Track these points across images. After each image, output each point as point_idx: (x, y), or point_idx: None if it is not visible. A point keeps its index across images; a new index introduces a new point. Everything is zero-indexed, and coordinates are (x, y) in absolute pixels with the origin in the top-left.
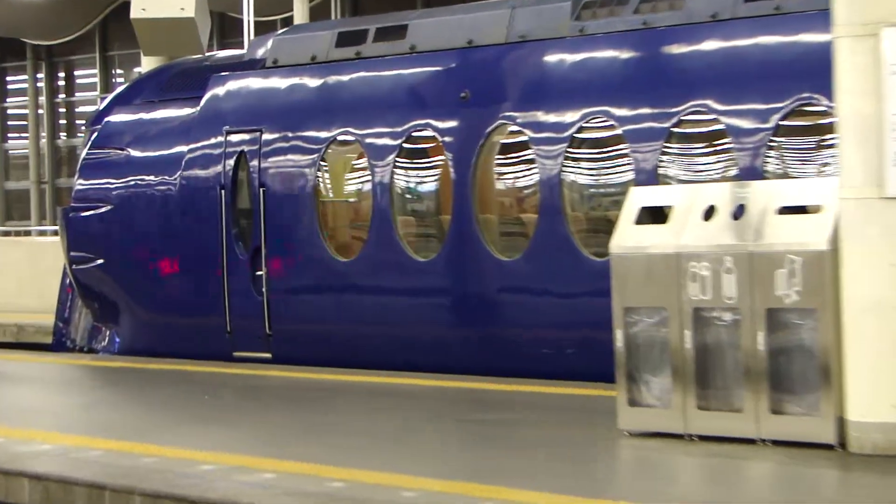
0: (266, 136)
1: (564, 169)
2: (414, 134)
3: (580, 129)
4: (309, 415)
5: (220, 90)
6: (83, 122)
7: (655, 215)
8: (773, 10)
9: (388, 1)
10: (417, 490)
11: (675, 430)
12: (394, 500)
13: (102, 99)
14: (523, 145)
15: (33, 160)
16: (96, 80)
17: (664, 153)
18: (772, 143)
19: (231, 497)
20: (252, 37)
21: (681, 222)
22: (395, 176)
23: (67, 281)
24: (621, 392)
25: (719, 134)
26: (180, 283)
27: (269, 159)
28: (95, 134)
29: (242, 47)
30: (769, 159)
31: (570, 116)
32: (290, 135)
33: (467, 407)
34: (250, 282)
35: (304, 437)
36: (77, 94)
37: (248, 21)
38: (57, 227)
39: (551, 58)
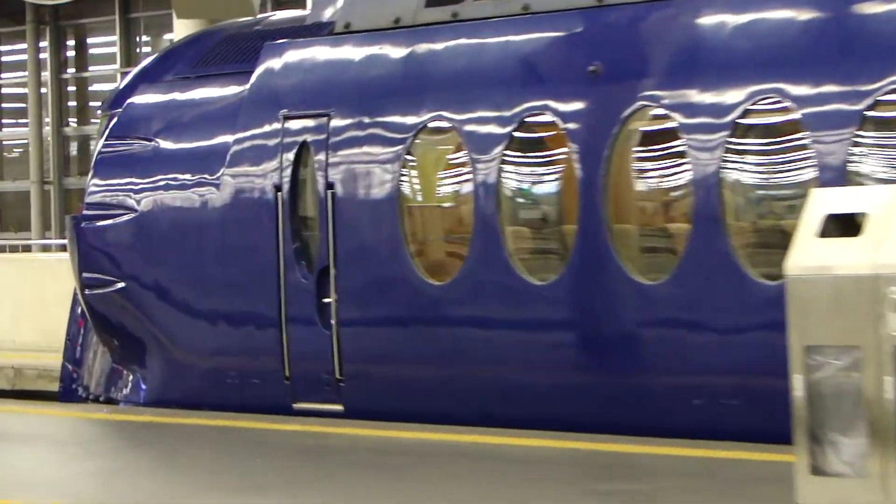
0: (335, 123)
1: (725, 165)
2: (528, 119)
3: (746, 113)
4: (391, 484)
5: (275, 63)
6: (99, 104)
7: (845, 226)
8: None
9: None
10: None
11: None
12: None
13: (124, 75)
14: (671, 134)
15: (34, 154)
16: (115, 49)
17: (856, 144)
18: None
19: None
20: None
21: (879, 235)
22: (504, 174)
23: (79, 310)
24: (801, 456)
25: None
26: (224, 313)
27: (340, 153)
28: (115, 120)
29: (304, 8)
30: None
31: (732, 96)
32: (366, 120)
33: (597, 474)
34: (315, 312)
35: None
36: (91, 67)
37: None
38: (65, 241)
39: (709, 19)
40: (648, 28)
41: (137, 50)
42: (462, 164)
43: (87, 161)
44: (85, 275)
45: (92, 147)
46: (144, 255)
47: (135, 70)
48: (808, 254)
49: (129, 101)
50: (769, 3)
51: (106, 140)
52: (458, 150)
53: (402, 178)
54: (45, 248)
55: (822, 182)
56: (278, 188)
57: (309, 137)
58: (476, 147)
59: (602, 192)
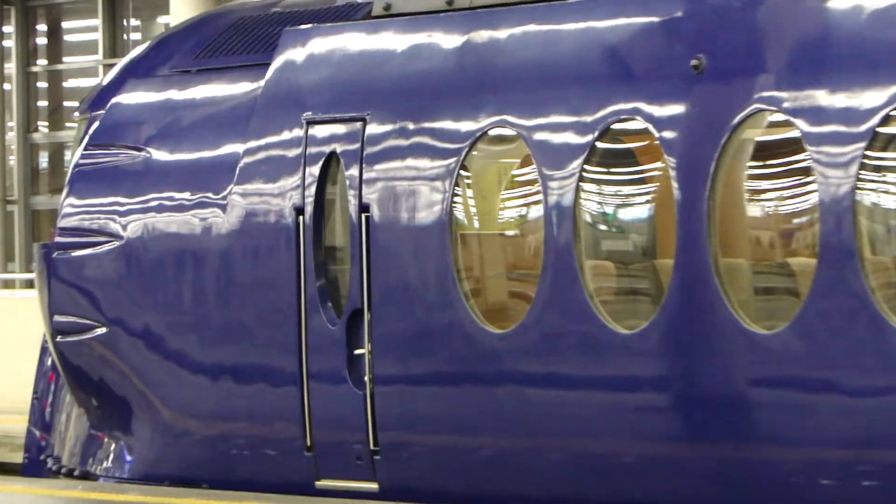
0: (372, 130)
1: (861, 185)
2: (614, 126)
3: (887, 120)
4: None
5: (297, 54)
6: (76, 104)
7: None
8: None
9: None
10: None
11: None
12: None
13: (107, 68)
14: (794, 145)
15: None
16: (97, 36)
17: None
18: None
19: None
20: None
21: None
22: (583, 195)
23: (49, 362)
24: None
25: None
26: (230, 366)
27: (377, 166)
28: (96, 124)
29: None
30: None
31: (871, 99)
32: (410, 127)
33: None
34: (345, 365)
35: None
36: (67, 58)
37: None
38: (32, 275)
39: (842, 3)
40: (766, 13)
41: (125, 37)
42: (530, 182)
43: (60, 175)
44: (57, 317)
45: (67, 158)
46: (131, 293)
47: (121, 62)
48: None
49: (113, 100)
50: None
51: (85, 149)
52: (525, 164)
53: (455, 199)
54: (7, 284)
55: None
56: (300, 210)
57: (339, 147)
58: (548, 160)
59: (706, 217)
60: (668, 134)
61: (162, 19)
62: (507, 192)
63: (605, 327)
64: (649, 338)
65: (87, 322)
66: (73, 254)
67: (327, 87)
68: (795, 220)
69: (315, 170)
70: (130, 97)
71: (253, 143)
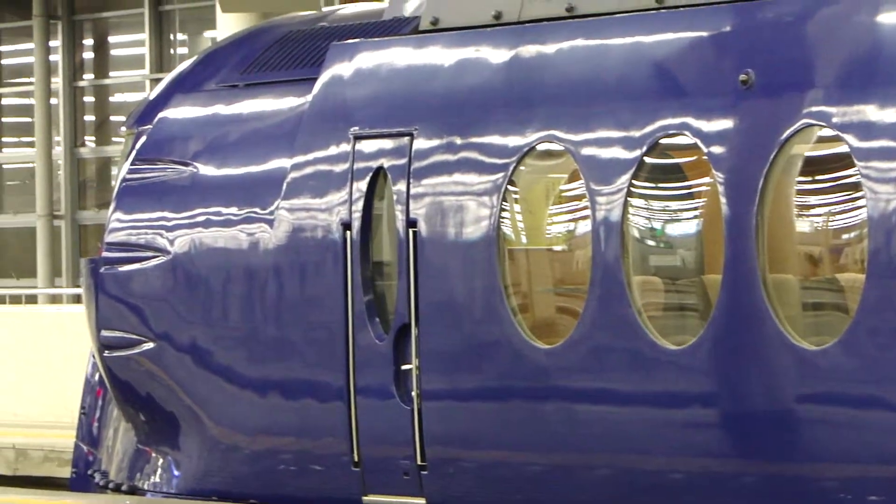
0: (419, 145)
1: None
2: (662, 141)
3: None
4: None
5: (344, 69)
6: (123, 119)
7: None
8: None
9: None
10: None
11: None
12: None
13: (154, 82)
14: (843, 160)
15: (42, 180)
16: (144, 51)
17: None
18: None
19: None
20: None
21: None
22: (631, 210)
23: (96, 377)
24: None
25: None
26: (277, 382)
27: (424, 182)
28: (143, 139)
29: (380, 0)
30: None
31: None
32: (458, 142)
33: None
34: (392, 381)
35: None
36: (113, 73)
37: None
38: (80, 290)
39: (889, 19)
40: (814, 28)
41: (171, 51)
42: (578, 198)
43: (107, 190)
44: (104, 333)
45: (114, 173)
46: (179, 308)
47: (168, 77)
48: None
49: (160, 115)
50: None
51: (132, 164)
52: (572, 179)
53: (503, 215)
54: (55, 299)
55: None
56: (347, 226)
57: (386, 162)
58: (596, 176)
59: (755, 233)
60: (717, 149)
61: (209, 34)
62: (554, 207)
63: (653, 343)
64: (697, 353)
65: (135, 337)
66: (121, 269)
67: (374, 101)
68: (844, 236)
69: (362, 185)
70: (177, 112)
71: (300, 158)
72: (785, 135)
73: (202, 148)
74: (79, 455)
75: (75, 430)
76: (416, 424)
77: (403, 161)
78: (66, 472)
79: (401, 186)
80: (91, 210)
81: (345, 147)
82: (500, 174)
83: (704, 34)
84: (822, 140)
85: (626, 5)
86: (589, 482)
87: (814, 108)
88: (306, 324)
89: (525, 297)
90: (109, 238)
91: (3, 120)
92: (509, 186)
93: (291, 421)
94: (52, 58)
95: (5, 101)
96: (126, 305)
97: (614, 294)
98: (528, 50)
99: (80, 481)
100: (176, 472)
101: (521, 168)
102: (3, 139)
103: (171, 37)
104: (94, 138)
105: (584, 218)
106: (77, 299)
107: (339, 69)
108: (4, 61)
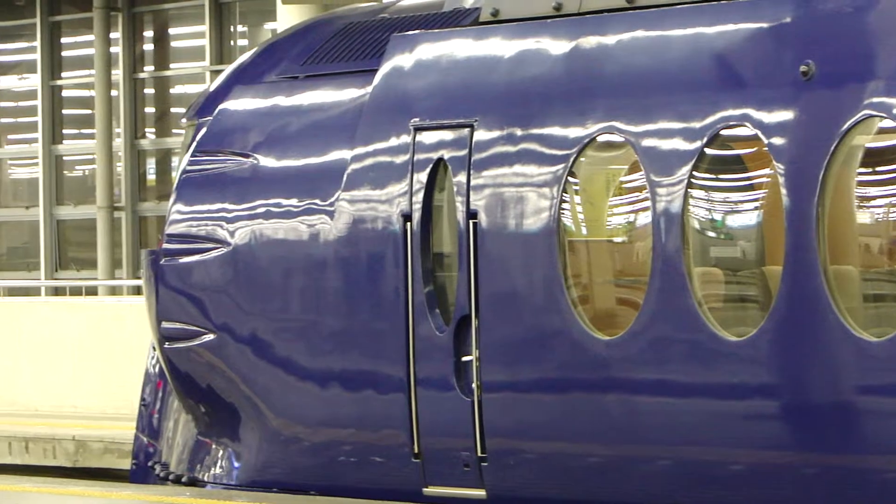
0: (480, 136)
1: None
2: (723, 133)
3: None
4: None
5: (404, 61)
6: (183, 111)
7: None
8: None
9: None
10: None
11: None
12: None
13: (214, 74)
14: None
15: (102, 172)
16: (204, 42)
17: None
18: None
19: None
20: None
21: None
22: (691, 201)
23: (156, 369)
24: None
25: None
26: (338, 373)
27: (485, 173)
28: (203, 130)
29: None
30: None
31: None
32: (518, 133)
33: None
34: (453, 373)
35: None
36: (174, 65)
37: None
38: (140, 282)
39: None
40: (875, 19)
41: (231, 43)
42: (638, 189)
43: (167, 182)
44: (165, 324)
45: (174, 164)
46: (239, 300)
47: (228, 69)
48: None
49: (221, 106)
50: None
51: (192, 155)
52: (633, 170)
53: (563, 206)
54: (115, 291)
55: None
56: (407, 217)
57: (446, 154)
58: (656, 167)
59: (815, 224)
60: (777, 140)
61: (269, 25)
62: (614, 198)
63: (714, 334)
64: (757, 345)
65: (195, 329)
66: (181, 260)
67: (435, 93)
68: None
69: (422, 176)
70: (238, 103)
71: (360, 150)
72: (845, 126)
73: (262, 139)
74: (139, 447)
75: (135, 421)
76: (476, 416)
77: (464, 152)
78: (126, 464)
79: (461, 178)
80: (151, 202)
81: (405, 138)
82: (561, 165)
83: (765, 25)
84: (882, 131)
85: None
86: (649, 473)
87: (874, 99)
88: (367, 315)
89: (585, 288)
90: (170, 230)
91: (64, 112)
92: (569, 178)
93: (352, 412)
94: (112, 50)
95: (66, 93)
96: (186, 297)
97: (675, 285)
98: (589, 41)
99: (141, 473)
100: (236, 464)
101: (582, 159)
102: (64, 131)
103: (232, 28)
104: (154, 130)
105: (645, 209)
106: (137, 291)
107: (400, 61)
108: (65, 53)
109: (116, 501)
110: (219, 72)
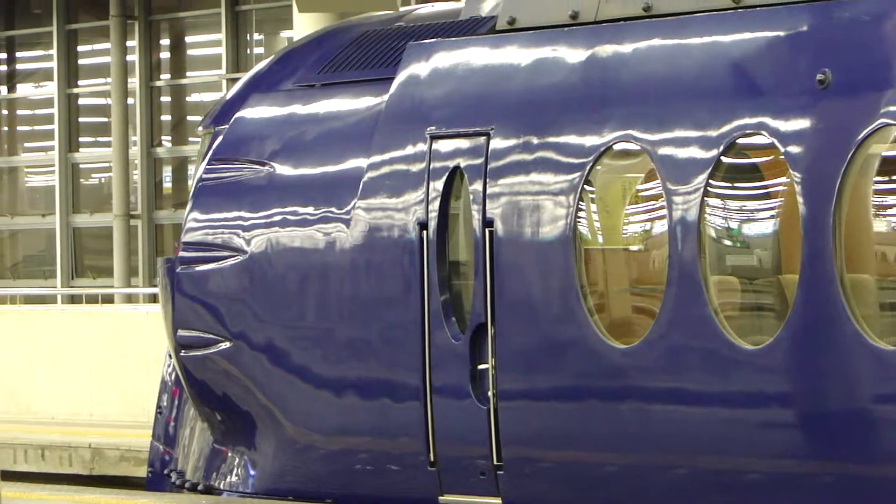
0: (496, 144)
1: None
2: (739, 141)
3: None
4: None
5: (420, 69)
6: (200, 119)
7: None
8: None
9: None
10: None
11: None
12: None
13: (231, 82)
14: None
15: (118, 181)
16: (221, 50)
17: None
18: None
19: None
20: None
21: None
22: (707, 210)
23: (172, 376)
24: None
25: None
26: (353, 382)
27: (501, 181)
28: (220, 138)
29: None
30: None
31: None
32: (534, 141)
33: None
34: (468, 381)
35: None
36: (190, 73)
37: None
38: (156, 290)
39: None
40: (893, 26)
41: (248, 51)
42: (655, 197)
43: (183, 190)
44: (181, 332)
45: (191, 172)
46: (255, 308)
47: (245, 77)
48: None
49: (237, 115)
50: None
51: (209, 163)
52: (649, 178)
53: (579, 214)
54: (131, 299)
55: None
56: (423, 225)
57: (462, 162)
58: (673, 175)
59: (832, 233)
60: (794, 149)
61: (285, 33)
62: (631, 206)
63: (730, 343)
64: (774, 353)
65: (211, 337)
66: (197, 268)
67: (451, 101)
68: None
69: (439, 184)
70: (254, 111)
71: (376, 158)
72: (862, 134)
73: (279, 147)
74: (155, 454)
75: (151, 429)
76: (492, 424)
77: (480, 161)
78: (142, 472)
79: (477, 186)
80: (167, 210)
81: (421, 147)
82: (577, 174)
83: (781, 34)
84: None
85: (704, 5)
86: (665, 482)
87: (891, 108)
88: (382, 323)
89: (601, 296)
90: (186, 238)
91: (81, 120)
92: (586, 186)
93: (368, 420)
94: (128, 58)
95: (82, 101)
96: (202, 305)
97: (691, 294)
98: (605, 49)
99: (156, 481)
100: (252, 472)
101: (598, 168)
102: (81, 139)
103: (248, 37)
104: (170, 138)
105: (661, 218)
106: (153, 299)
107: (416, 69)
108: (82, 61)
109: None
110: (235, 80)
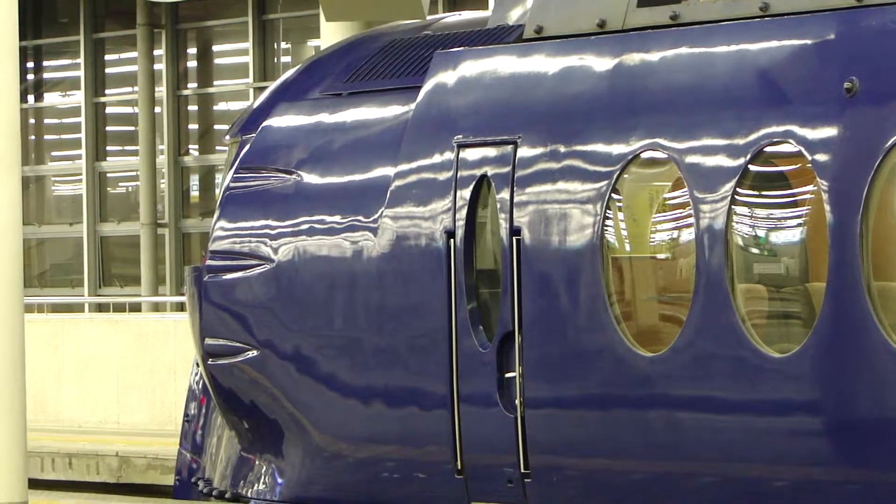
0: (523, 153)
1: None
2: (767, 150)
3: None
4: None
5: (448, 77)
6: (227, 127)
7: None
8: None
9: None
10: None
11: None
12: None
13: (258, 91)
14: None
15: (146, 189)
16: (248, 59)
17: None
18: None
19: None
20: None
21: None
22: (735, 218)
23: (200, 385)
24: None
25: None
26: (381, 390)
27: (528, 190)
28: (247, 148)
29: (485, 8)
30: None
31: None
32: (562, 150)
33: None
34: (496, 389)
35: None
36: (217, 82)
37: None
38: (183, 299)
39: None
40: None
41: (275, 60)
42: (682, 206)
43: (211, 199)
44: (208, 341)
45: (218, 181)
46: (283, 316)
47: (272, 86)
48: None
49: (264, 123)
50: None
51: (236, 172)
52: (676, 187)
53: (607, 223)
54: (158, 307)
55: None
56: (450, 234)
57: (490, 170)
58: (700, 184)
59: (859, 241)
60: (821, 157)
61: (312, 42)
62: (658, 215)
63: (757, 351)
64: (801, 362)
65: (239, 345)
66: (225, 277)
67: (478, 110)
68: None
69: (466, 193)
70: (281, 120)
71: (404, 167)
72: (889, 142)
73: (306, 156)
74: (182, 462)
75: (179, 437)
76: (519, 432)
77: (507, 169)
78: (169, 480)
79: (504, 195)
80: (195, 218)
81: (448, 155)
82: (604, 182)
83: (808, 42)
84: None
85: (732, 12)
86: (693, 491)
87: None
88: (410, 332)
89: (629, 305)
90: (213, 246)
91: (108, 129)
92: (613, 195)
93: (395, 429)
94: (156, 67)
95: (109, 110)
96: (230, 313)
97: (718, 302)
98: (632, 58)
99: (184, 489)
100: (279, 480)
101: (625, 176)
102: (108, 148)
103: (275, 45)
104: (197, 147)
105: (688, 226)
106: (180, 307)
107: (443, 77)
108: (109, 70)
109: None
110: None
